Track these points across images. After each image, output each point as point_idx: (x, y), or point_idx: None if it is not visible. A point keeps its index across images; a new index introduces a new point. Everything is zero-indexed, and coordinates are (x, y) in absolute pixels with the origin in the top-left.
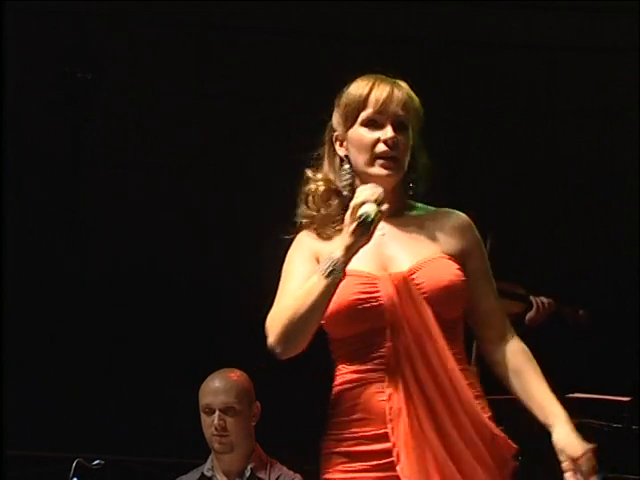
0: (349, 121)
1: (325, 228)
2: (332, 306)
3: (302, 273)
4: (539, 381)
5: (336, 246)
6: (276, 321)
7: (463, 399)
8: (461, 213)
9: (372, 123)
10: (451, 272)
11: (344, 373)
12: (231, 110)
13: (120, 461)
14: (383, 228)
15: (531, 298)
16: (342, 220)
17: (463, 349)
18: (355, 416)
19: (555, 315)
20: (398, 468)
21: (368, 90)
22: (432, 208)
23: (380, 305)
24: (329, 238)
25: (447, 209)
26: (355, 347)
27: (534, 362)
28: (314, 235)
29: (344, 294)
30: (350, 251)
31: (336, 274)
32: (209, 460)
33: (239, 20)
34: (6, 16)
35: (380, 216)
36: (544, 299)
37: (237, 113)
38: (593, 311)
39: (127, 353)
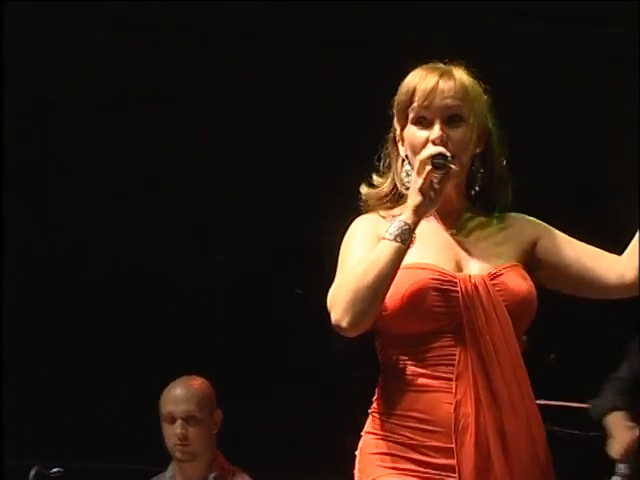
0: (402, 119)
1: (388, 212)
2: (400, 298)
3: (366, 249)
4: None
5: (403, 211)
6: (340, 294)
7: (531, 412)
8: (527, 217)
9: (421, 120)
10: (529, 283)
11: (401, 373)
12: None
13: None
14: (446, 227)
15: None
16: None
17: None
18: (414, 422)
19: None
20: None
21: (414, 84)
22: (496, 213)
23: (458, 305)
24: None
25: (513, 214)
26: (418, 347)
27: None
28: (377, 217)
29: (417, 287)
30: (419, 211)
31: (405, 237)
32: (170, 468)
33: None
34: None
35: (451, 170)
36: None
37: (235, 113)
38: None
39: (126, 353)
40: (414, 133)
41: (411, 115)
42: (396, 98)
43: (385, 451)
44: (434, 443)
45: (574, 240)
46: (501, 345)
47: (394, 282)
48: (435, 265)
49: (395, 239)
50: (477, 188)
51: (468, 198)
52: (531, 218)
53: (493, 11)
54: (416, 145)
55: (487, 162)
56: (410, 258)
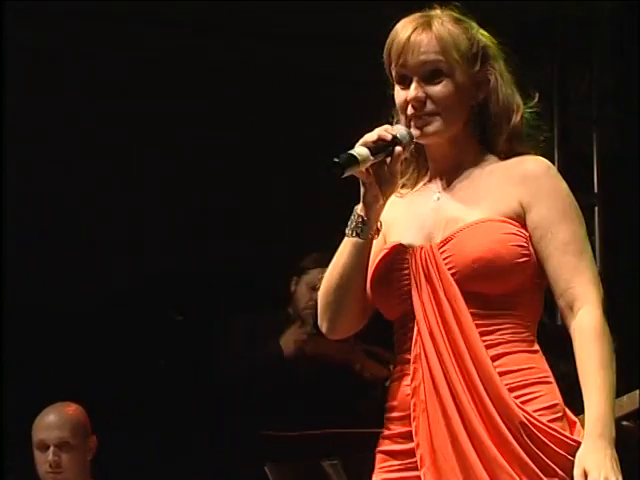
0: (390, 78)
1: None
2: (369, 284)
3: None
4: (588, 375)
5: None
6: (318, 298)
7: (492, 393)
8: (537, 159)
9: (402, 80)
10: (492, 239)
11: (395, 363)
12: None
13: None
14: (438, 191)
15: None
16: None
17: (525, 326)
18: (391, 413)
19: None
20: (421, 473)
21: (391, 41)
22: (514, 159)
23: (409, 284)
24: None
25: (523, 157)
26: (396, 333)
27: (592, 346)
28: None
29: (376, 270)
30: (366, 203)
31: (359, 230)
32: None
33: None
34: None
35: (372, 161)
36: None
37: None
38: None
39: (126, 354)
40: (397, 93)
41: (394, 74)
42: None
43: (380, 449)
44: (402, 429)
45: (554, 241)
46: (452, 323)
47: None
48: (398, 242)
49: (351, 234)
50: (475, 137)
51: (485, 149)
52: (542, 172)
53: None
54: (401, 107)
55: (490, 110)
56: (389, 239)
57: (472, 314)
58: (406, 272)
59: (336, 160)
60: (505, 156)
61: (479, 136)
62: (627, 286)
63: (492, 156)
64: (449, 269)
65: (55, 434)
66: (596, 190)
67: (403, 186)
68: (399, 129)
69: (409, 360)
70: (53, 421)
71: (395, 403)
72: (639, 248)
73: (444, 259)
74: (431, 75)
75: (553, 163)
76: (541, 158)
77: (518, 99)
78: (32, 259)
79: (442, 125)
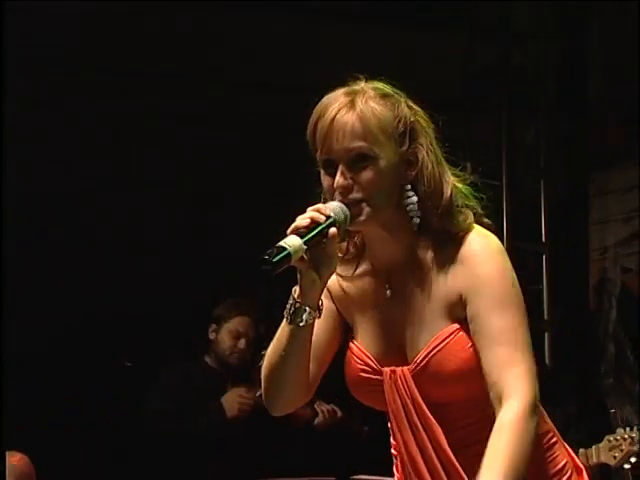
0: (316, 160)
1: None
2: (347, 384)
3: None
4: (486, 465)
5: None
6: (261, 377)
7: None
8: (473, 240)
9: (327, 164)
10: (460, 358)
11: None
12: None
13: None
14: (386, 284)
15: (315, 406)
16: (350, 260)
17: (485, 408)
18: None
19: (341, 423)
20: None
21: (314, 122)
22: (450, 243)
23: (384, 400)
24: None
25: (459, 239)
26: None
27: (503, 441)
28: (334, 279)
29: (351, 378)
30: (303, 288)
31: (296, 316)
32: None
33: None
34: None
35: (305, 249)
36: (327, 407)
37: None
38: None
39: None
40: (324, 177)
41: (318, 157)
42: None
43: None
44: None
45: (485, 336)
46: (423, 439)
47: None
48: (366, 355)
49: (288, 321)
50: (417, 220)
51: (420, 229)
52: (471, 259)
53: None
54: (329, 192)
55: (419, 189)
56: (356, 336)
57: (462, 426)
58: (380, 390)
59: (266, 257)
60: (440, 237)
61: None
62: (575, 334)
63: (428, 237)
64: (425, 397)
65: None
66: (544, 239)
67: (345, 263)
68: (333, 207)
69: (395, 455)
70: None
71: None
72: (586, 296)
73: (419, 388)
74: (356, 160)
75: (501, 211)
76: (477, 237)
77: (448, 176)
78: None
79: (371, 212)
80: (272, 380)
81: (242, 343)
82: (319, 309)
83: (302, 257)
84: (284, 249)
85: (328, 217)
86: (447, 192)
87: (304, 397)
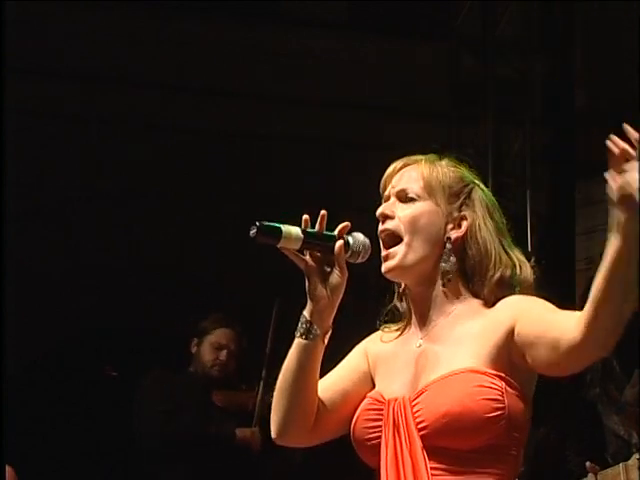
0: None
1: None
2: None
3: (346, 362)
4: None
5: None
6: (273, 401)
7: None
8: (511, 299)
9: (385, 201)
10: (463, 392)
11: None
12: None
13: None
14: (420, 337)
15: None
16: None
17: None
18: None
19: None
20: None
21: (384, 177)
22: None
23: (379, 437)
24: (389, 340)
25: (503, 299)
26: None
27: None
28: (379, 331)
29: (355, 422)
30: (311, 299)
31: (303, 330)
32: None
33: None
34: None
35: (301, 243)
36: None
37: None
38: None
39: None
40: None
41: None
42: None
43: None
44: None
45: (542, 309)
46: (408, 478)
47: None
48: (380, 393)
49: (298, 335)
50: (447, 279)
51: (467, 287)
52: (513, 299)
53: None
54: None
55: (467, 254)
56: (377, 384)
57: (443, 470)
58: (379, 425)
59: (257, 223)
60: (488, 303)
61: (462, 280)
62: None
63: (475, 300)
64: (419, 423)
65: None
66: (529, 249)
67: (394, 329)
68: (356, 235)
69: None
70: None
71: None
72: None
73: (415, 412)
74: (405, 199)
75: None
76: (514, 296)
77: (504, 255)
78: None
79: (405, 252)
80: (278, 398)
81: (223, 355)
82: (329, 330)
83: (302, 252)
84: (277, 227)
85: (343, 238)
86: (495, 266)
87: (308, 430)
